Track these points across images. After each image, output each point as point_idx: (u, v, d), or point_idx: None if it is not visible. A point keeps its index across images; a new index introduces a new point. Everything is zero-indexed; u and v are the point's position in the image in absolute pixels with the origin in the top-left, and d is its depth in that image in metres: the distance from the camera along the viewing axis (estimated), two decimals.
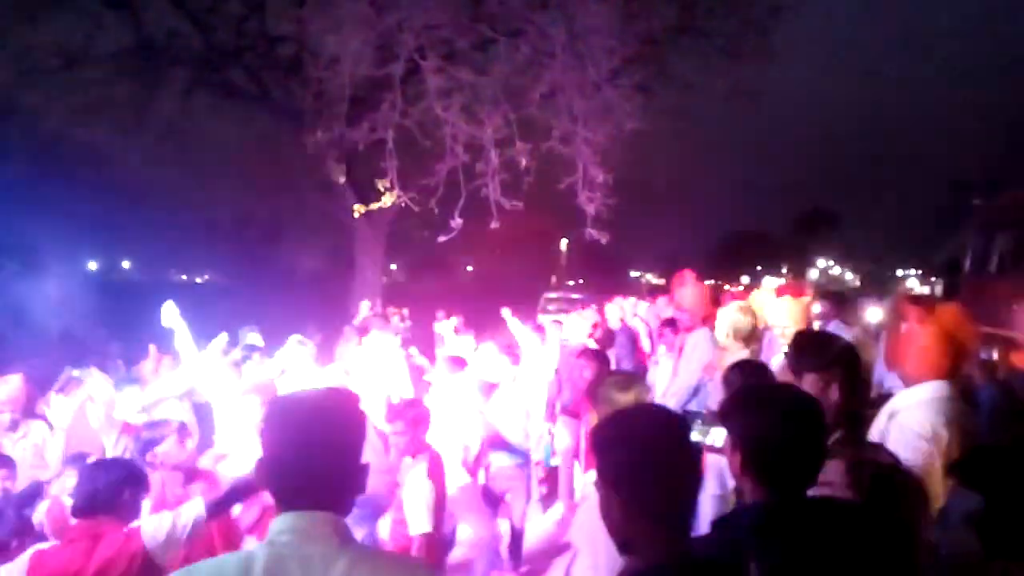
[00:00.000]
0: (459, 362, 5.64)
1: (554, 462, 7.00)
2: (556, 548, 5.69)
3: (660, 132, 12.56)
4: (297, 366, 5.68)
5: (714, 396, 4.36)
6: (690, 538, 1.66)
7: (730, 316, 4.66)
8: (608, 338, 8.16)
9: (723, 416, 1.93)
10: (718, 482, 4.09)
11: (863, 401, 2.86)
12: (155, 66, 12.35)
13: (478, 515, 4.87)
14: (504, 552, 5.52)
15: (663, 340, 7.86)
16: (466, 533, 5.01)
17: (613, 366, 6.82)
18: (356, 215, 12.53)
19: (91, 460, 3.42)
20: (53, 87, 11.36)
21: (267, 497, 1.95)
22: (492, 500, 5.52)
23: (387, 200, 10.14)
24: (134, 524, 2.65)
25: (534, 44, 9.78)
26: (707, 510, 3.86)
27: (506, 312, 6.94)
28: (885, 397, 2.92)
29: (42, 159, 11.77)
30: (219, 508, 2.69)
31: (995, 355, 5.77)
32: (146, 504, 3.10)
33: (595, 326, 8.32)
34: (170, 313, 4.39)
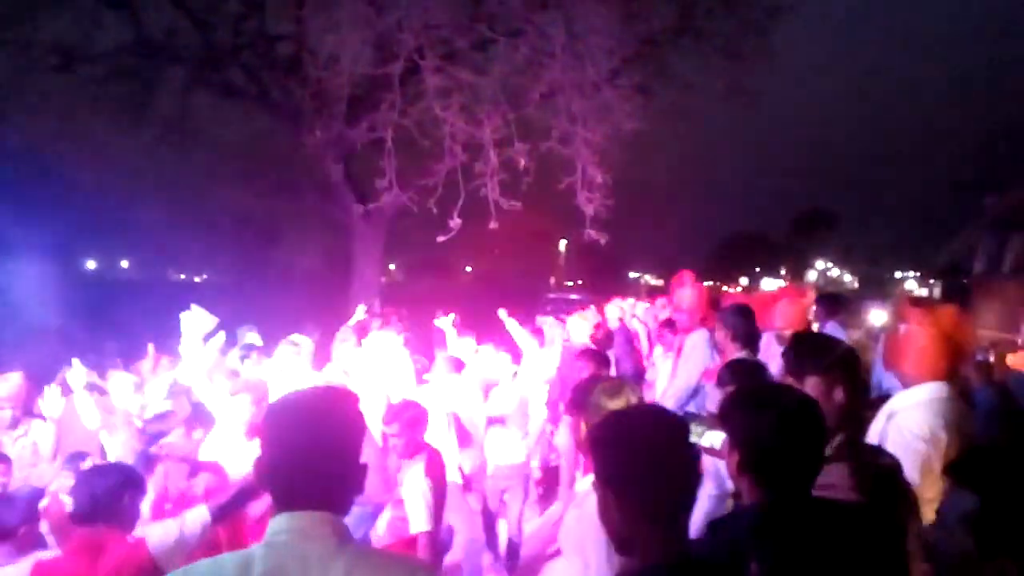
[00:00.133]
0: (458, 363, 5.64)
1: (553, 462, 7.01)
2: (555, 548, 5.70)
3: (659, 133, 12.57)
4: (292, 366, 5.67)
5: (712, 398, 4.35)
6: (688, 539, 1.66)
7: (728, 318, 4.66)
8: (607, 339, 8.17)
9: (721, 416, 1.93)
10: (715, 482, 4.09)
11: (864, 403, 2.86)
12: (154, 65, 12.34)
13: (463, 516, 4.86)
14: (502, 552, 5.52)
15: (661, 341, 7.87)
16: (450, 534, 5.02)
17: (612, 366, 6.84)
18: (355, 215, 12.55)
19: (87, 463, 3.42)
20: (52, 85, 11.35)
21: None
22: (491, 500, 5.53)
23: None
24: (139, 532, 2.63)
25: (533, 44, 9.78)
26: (705, 509, 3.86)
27: (503, 313, 6.94)
28: (883, 398, 2.93)
29: (40, 158, 11.77)
30: (224, 512, 2.67)
31: (991, 357, 5.77)
32: (147, 497, 3.11)
33: (597, 327, 8.31)
34: (198, 316, 4.35)
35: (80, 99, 11.67)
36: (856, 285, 66.50)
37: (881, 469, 2.18)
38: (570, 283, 47.41)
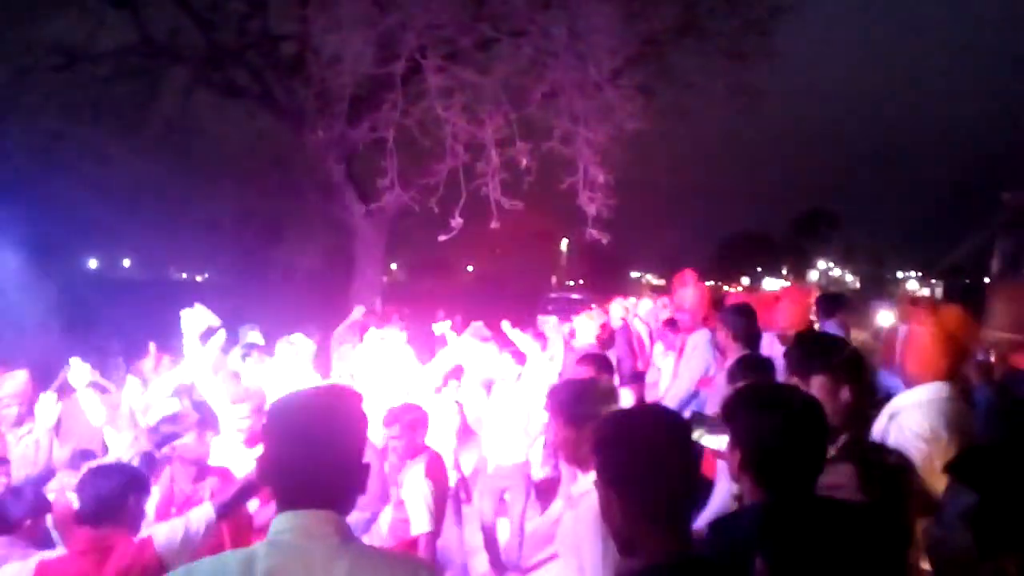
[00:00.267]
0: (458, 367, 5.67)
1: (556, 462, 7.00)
2: (556, 548, 5.69)
3: (661, 132, 12.55)
4: (292, 366, 5.68)
5: (713, 399, 4.35)
6: (690, 539, 1.66)
7: (729, 318, 4.65)
8: (610, 339, 8.16)
9: (725, 415, 1.93)
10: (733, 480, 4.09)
11: (870, 403, 2.86)
12: (157, 64, 12.35)
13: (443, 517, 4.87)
14: (505, 551, 5.52)
15: (663, 340, 7.87)
16: None
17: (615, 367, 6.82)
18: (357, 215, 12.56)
19: (91, 464, 3.42)
20: (54, 85, 11.35)
21: None
22: (492, 500, 5.53)
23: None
24: (145, 532, 2.64)
25: (536, 44, 9.78)
26: (720, 508, 3.86)
27: (505, 325, 6.93)
28: (887, 398, 2.93)
29: (42, 157, 11.76)
30: (228, 509, 2.68)
31: (992, 356, 5.76)
32: (152, 498, 3.11)
33: (603, 326, 8.29)
34: (200, 314, 4.35)
35: (83, 98, 11.67)
36: (858, 285, 66.41)
37: (887, 468, 2.18)
38: (571, 283, 47.38)
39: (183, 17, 11.83)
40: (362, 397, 1.61)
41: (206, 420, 3.52)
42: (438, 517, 3.68)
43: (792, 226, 72.91)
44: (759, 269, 72.55)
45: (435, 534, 3.58)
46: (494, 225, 9.66)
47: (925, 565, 2.02)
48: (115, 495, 2.60)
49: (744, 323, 4.55)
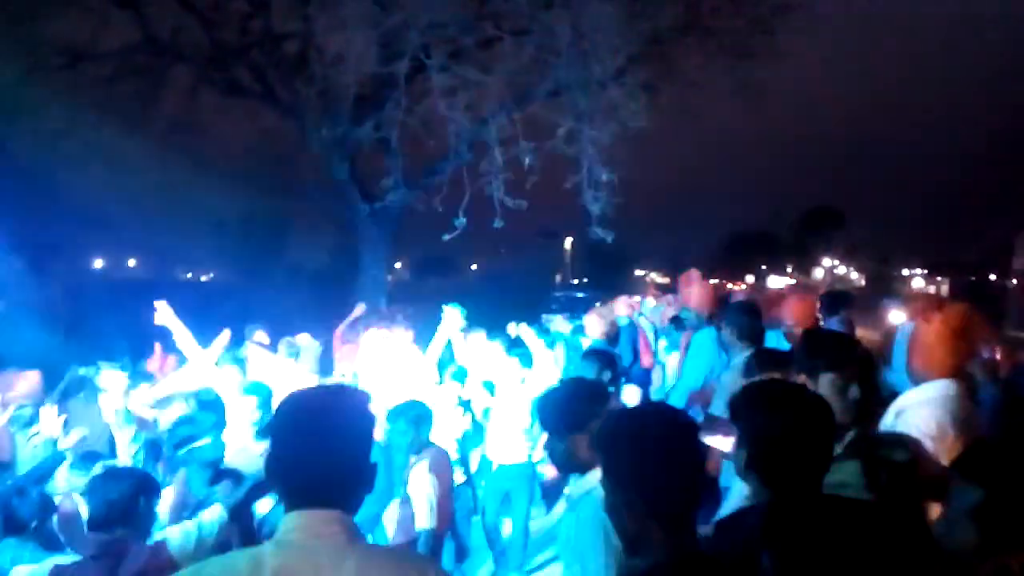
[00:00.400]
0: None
1: None
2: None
3: (665, 131, 12.55)
4: (293, 366, 5.69)
5: (719, 398, 4.34)
6: (696, 537, 1.66)
7: (734, 316, 4.65)
8: (615, 336, 8.13)
9: (732, 412, 1.93)
10: None
11: (879, 400, 2.85)
12: (160, 64, 12.38)
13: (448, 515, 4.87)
14: (509, 551, 5.52)
15: (668, 337, 7.86)
16: None
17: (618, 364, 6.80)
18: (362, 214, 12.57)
19: (97, 467, 3.44)
20: (59, 84, 11.39)
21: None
22: (495, 499, 5.53)
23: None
24: (159, 536, 2.65)
25: (539, 42, 9.77)
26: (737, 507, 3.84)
27: (513, 325, 6.92)
28: (891, 396, 2.92)
29: (48, 156, 11.80)
30: (240, 509, 2.70)
31: (997, 354, 5.74)
32: (166, 500, 3.12)
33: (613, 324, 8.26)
34: (164, 312, 4.38)
35: (87, 98, 11.70)
36: (863, 283, 66.30)
37: (894, 465, 2.17)
38: (576, 281, 47.38)
39: (186, 16, 11.85)
40: (368, 397, 1.62)
41: (220, 422, 3.53)
42: (443, 514, 3.68)
43: (797, 224, 72.78)
44: (764, 267, 72.44)
45: (438, 531, 3.58)
46: (498, 224, 9.66)
47: None
48: (125, 499, 2.61)
49: (749, 321, 4.54)
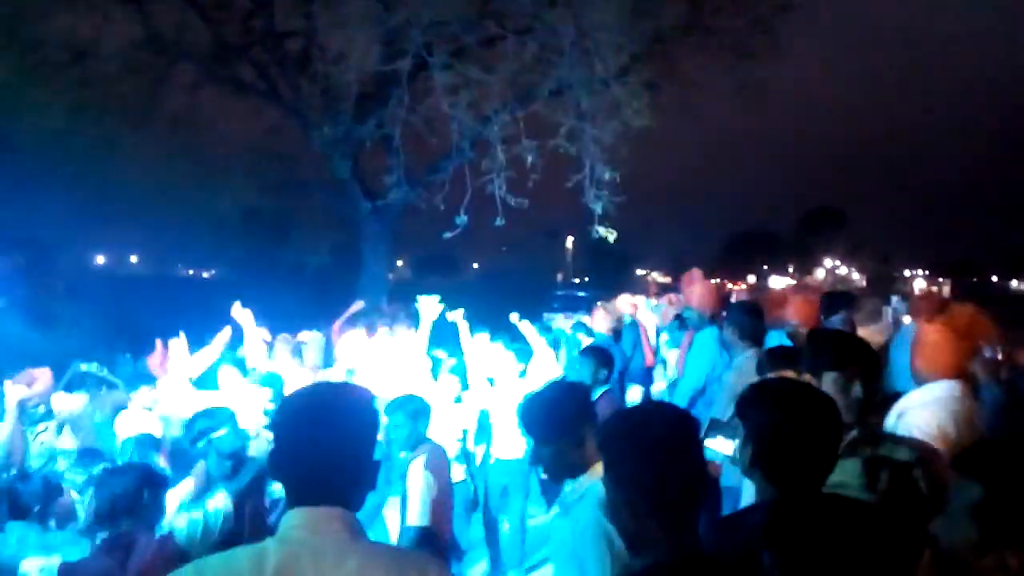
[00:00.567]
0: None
1: None
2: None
3: (668, 130, 12.54)
4: (291, 363, 5.70)
5: (717, 408, 4.34)
6: (697, 536, 1.66)
7: (735, 315, 4.65)
8: (617, 334, 8.14)
9: (739, 409, 1.93)
10: None
11: (884, 399, 2.85)
12: (163, 61, 12.38)
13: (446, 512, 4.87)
14: (506, 548, 5.52)
15: (671, 335, 7.86)
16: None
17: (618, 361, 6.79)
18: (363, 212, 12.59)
19: (98, 466, 3.45)
20: (61, 82, 11.39)
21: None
22: (492, 495, 5.53)
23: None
24: (167, 527, 2.68)
25: (542, 41, 9.77)
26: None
27: (515, 317, 6.92)
28: (897, 395, 2.92)
29: (50, 153, 11.81)
30: (245, 497, 2.73)
31: (999, 354, 5.73)
32: (182, 491, 3.12)
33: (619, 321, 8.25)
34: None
35: (90, 95, 11.71)
36: (864, 283, 66.25)
37: (895, 464, 2.17)
38: (577, 280, 47.40)
39: (189, 14, 11.85)
40: (372, 394, 1.62)
41: (234, 415, 3.53)
42: (440, 512, 3.65)
43: (798, 224, 72.74)
44: (765, 267, 72.42)
45: (431, 529, 3.54)
46: (500, 222, 9.66)
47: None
48: (130, 493, 2.64)
49: (750, 321, 4.55)
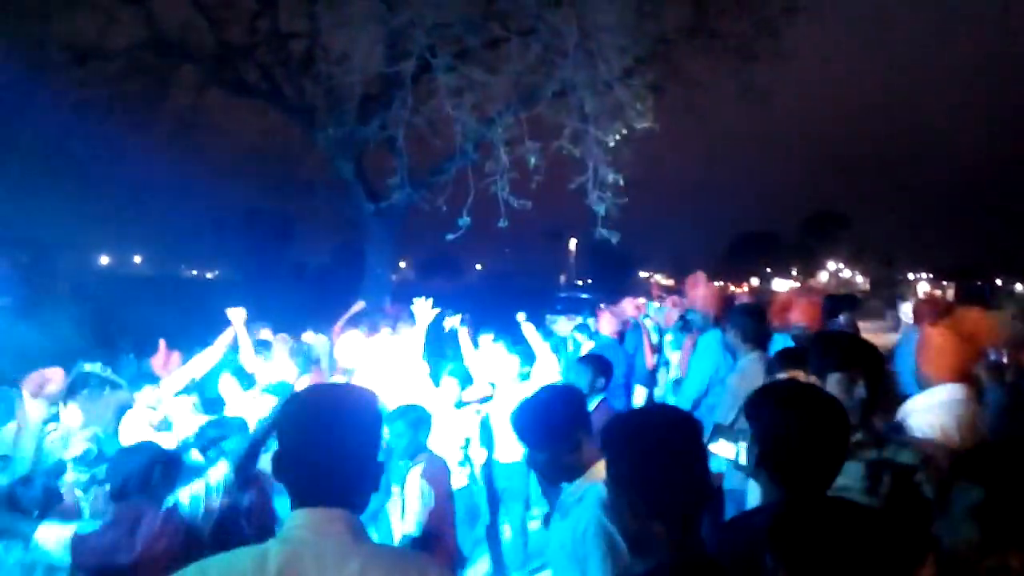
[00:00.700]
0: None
1: None
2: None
3: (671, 132, 12.52)
4: (287, 365, 5.69)
5: (720, 410, 4.33)
6: (699, 538, 1.66)
7: (737, 318, 4.64)
8: (622, 336, 8.12)
9: (747, 411, 1.93)
10: None
11: (892, 400, 2.84)
12: (167, 62, 12.41)
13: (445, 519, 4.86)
14: (508, 552, 5.52)
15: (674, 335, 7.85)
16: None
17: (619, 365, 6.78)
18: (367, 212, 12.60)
19: (104, 467, 3.48)
20: (66, 82, 11.42)
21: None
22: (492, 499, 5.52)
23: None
24: (171, 501, 2.81)
25: (546, 43, 9.76)
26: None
27: (521, 317, 6.92)
28: (903, 397, 2.91)
29: (55, 154, 11.85)
30: (244, 465, 2.85)
31: (1004, 357, 5.71)
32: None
33: (626, 323, 8.24)
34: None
35: (95, 96, 11.74)
36: (868, 286, 66.10)
37: (898, 467, 2.16)
38: (580, 282, 47.40)
39: (193, 15, 11.88)
40: (377, 396, 1.61)
41: (246, 424, 3.57)
42: (440, 519, 3.64)
43: (802, 226, 72.57)
44: (768, 270, 72.31)
45: (424, 539, 3.54)
46: (503, 224, 9.66)
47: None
48: (141, 470, 2.79)
49: (753, 324, 4.54)
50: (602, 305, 8.48)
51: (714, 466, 2.32)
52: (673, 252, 63.34)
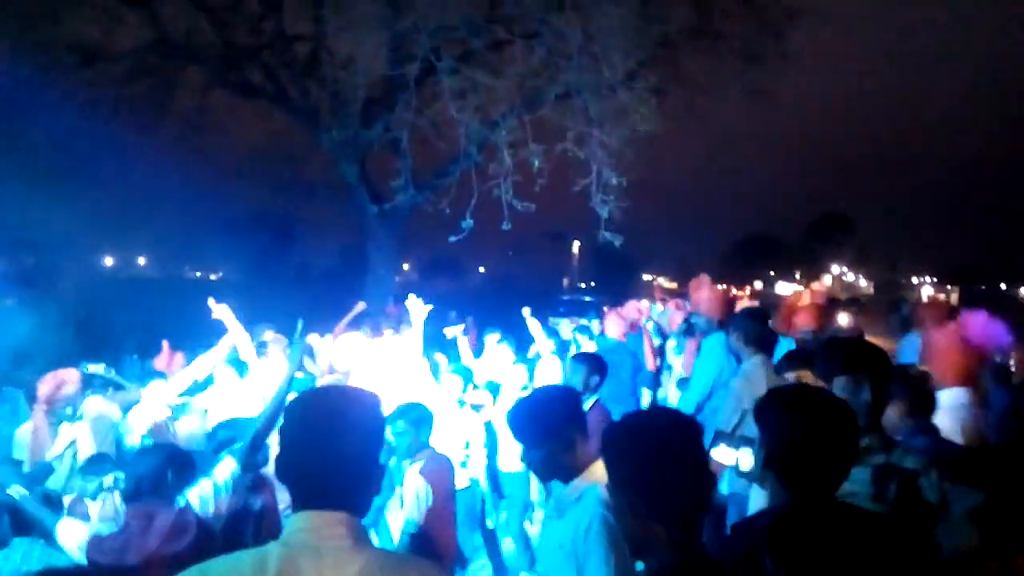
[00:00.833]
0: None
1: None
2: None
3: (675, 135, 12.52)
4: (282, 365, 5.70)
5: (722, 413, 4.32)
6: (700, 541, 1.65)
7: (740, 321, 4.64)
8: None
9: (756, 414, 1.93)
10: None
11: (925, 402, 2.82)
12: (173, 64, 12.45)
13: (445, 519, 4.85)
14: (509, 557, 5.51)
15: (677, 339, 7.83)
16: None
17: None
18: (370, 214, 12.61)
19: (112, 475, 3.50)
20: (72, 84, 11.46)
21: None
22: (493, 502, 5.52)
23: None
24: (182, 500, 2.85)
25: (550, 45, 9.77)
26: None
27: (526, 312, 6.91)
28: None
29: (60, 155, 11.88)
30: (250, 457, 2.90)
31: (1011, 360, 5.70)
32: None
33: (632, 326, 8.23)
34: (221, 311, 4.69)
35: (100, 98, 11.77)
36: (872, 290, 65.97)
37: (904, 473, 2.16)
38: (583, 285, 47.38)
39: (199, 17, 11.91)
40: (379, 398, 1.61)
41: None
42: (440, 518, 3.64)
43: (806, 230, 72.52)
44: (772, 273, 72.25)
45: (422, 536, 3.53)
46: (506, 226, 9.67)
47: None
48: (153, 472, 2.82)
49: (756, 327, 4.53)
50: (605, 308, 8.46)
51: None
52: (676, 255, 63.29)
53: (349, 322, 6.88)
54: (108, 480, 3.51)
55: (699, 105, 12.62)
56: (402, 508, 3.61)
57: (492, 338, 6.47)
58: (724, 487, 4.07)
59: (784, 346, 4.82)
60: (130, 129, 12.29)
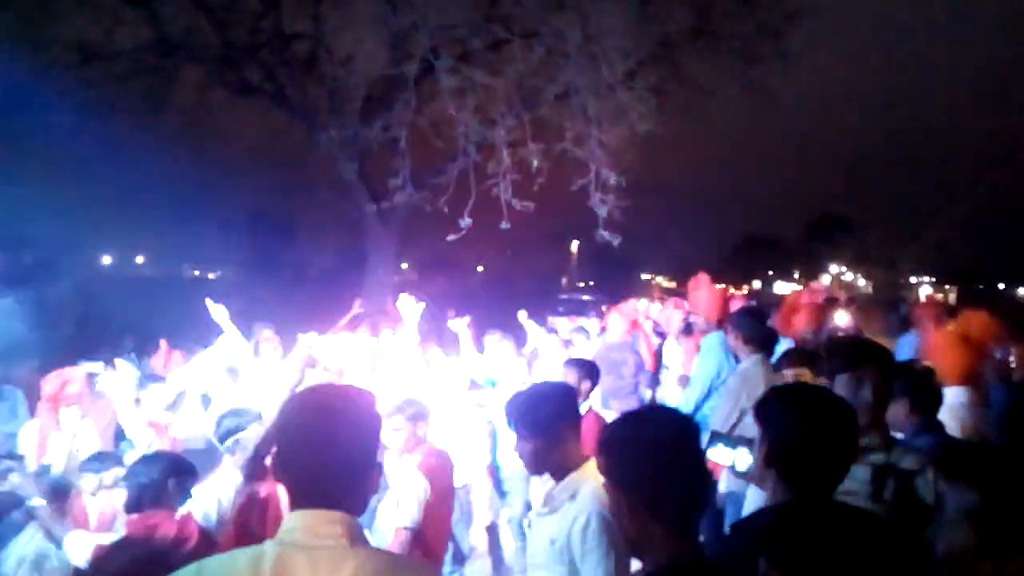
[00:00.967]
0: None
1: None
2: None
3: (674, 135, 12.51)
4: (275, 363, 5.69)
5: (720, 412, 4.32)
6: (698, 540, 1.65)
7: (738, 320, 4.64)
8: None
9: (757, 411, 1.93)
10: None
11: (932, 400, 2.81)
12: (171, 63, 12.43)
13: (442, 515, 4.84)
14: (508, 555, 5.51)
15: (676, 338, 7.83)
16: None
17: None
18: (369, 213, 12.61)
19: (113, 472, 3.50)
20: (71, 82, 11.44)
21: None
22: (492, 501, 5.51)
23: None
24: (185, 509, 2.85)
25: (549, 45, 9.77)
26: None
27: (523, 315, 6.90)
28: None
29: (58, 154, 11.87)
30: (253, 467, 2.86)
31: (1011, 357, 5.70)
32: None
33: (633, 324, 8.23)
34: (216, 311, 4.70)
35: (98, 96, 11.76)
36: (871, 290, 65.98)
37: (901, 473, 2.16)
38: (582, 284, 47.35)
39: (198, 15, 11.89)
40: (375, 397, 1.61)
41: (261, 415, 3.55)
42: (437, 514, 3.63)
43: (805, 230, 72.52)
44: (771, 273, 72.25)
45: (417, 531, 3.52)
46: (505, 226, 9.66)
47: None
48: (155, 482, 2.81)
49: (754, 325, 4.54)
50: (604, 307, 8.46)
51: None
52: (675, 255, 63.17)
53: (347, 322, 6.87)
54: (108, 478, 3.52)
55: (699, 105, 12.64)
56: (398, 504, 3.60)
57: (492, 338, 6.47)
58: (721, 487, 4.07)
59: (784, 346, 4.82)
60: (128, 128, 12.27)
